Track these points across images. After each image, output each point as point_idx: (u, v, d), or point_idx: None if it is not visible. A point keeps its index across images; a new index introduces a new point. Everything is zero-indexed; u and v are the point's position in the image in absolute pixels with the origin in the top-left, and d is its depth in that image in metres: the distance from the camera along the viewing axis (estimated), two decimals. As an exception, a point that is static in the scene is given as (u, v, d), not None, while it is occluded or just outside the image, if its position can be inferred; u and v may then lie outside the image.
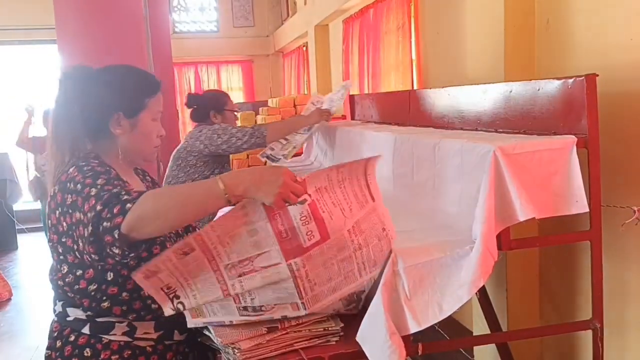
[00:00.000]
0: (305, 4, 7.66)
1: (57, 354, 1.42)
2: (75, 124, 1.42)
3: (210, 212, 1.27)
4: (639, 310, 1.99)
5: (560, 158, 1.59)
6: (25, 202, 6.77)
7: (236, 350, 1.39)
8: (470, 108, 2.22)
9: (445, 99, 2.43)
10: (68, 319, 1.42)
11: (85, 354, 1.39)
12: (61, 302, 1.44)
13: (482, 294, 2.25)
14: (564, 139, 1.61)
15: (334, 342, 1.50)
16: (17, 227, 7.00)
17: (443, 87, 2.52)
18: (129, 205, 1.17)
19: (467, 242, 1.55)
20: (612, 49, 2.06)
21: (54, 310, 1.46)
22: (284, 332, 1.45)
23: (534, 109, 1.87)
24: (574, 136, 1.61)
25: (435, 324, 1.50)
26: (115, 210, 1.17)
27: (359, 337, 1.47)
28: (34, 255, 6.60)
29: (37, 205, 5.68)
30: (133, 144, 1.47)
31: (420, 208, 1.92)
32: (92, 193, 1.24)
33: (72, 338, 1.41)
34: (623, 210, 1.84)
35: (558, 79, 1.75)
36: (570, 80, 1.69)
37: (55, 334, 1.45)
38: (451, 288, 1.50)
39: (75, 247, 1.32)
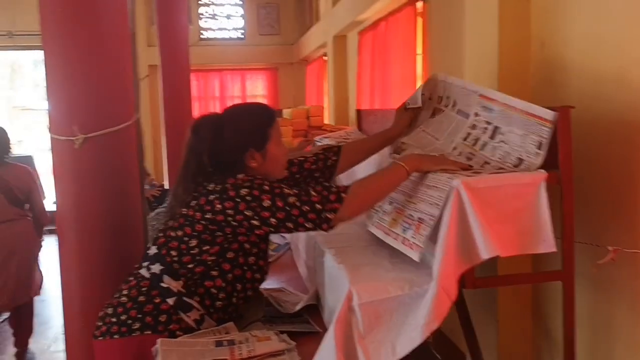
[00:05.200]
0: (327, 11, 7.60)
1: (135, 305, 1.62)
2: (205, 164, 1.66)
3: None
4: (626, 348, 1.89)
5: (528, 194, 1.51)
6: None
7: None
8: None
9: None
10: (161, 284, 1.63)
11: (160, 319, 1.60)
12: (161, 267, 1.64)
13: (467, 328, 2.15)
14: (532, 174, 1.53)
15: (284, 379, 1.46)
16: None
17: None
18: (342, 194, 1.57)
19: (429, 280, 1.49)
20: (602, 75, 1.96)
21: (148, 268, 1.66)
22: (231, 367, 1.42)
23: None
24: (544, 171, 1.53)
25: (431, 344, 1.44)
26: (332, 198, 1.57)
27: (306, 376, 1.43)
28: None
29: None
30: (266, 170, 1.71)
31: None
32: (289, 192, 1.58)
33: (157, 300, 1.62)
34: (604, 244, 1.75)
35: (534, 109, 1.67)
36: (545, 112, 1.61)
37: (143, 289, 1.64)
38: (407, 328, 1.44)
39: (237, 229, 1.60)
